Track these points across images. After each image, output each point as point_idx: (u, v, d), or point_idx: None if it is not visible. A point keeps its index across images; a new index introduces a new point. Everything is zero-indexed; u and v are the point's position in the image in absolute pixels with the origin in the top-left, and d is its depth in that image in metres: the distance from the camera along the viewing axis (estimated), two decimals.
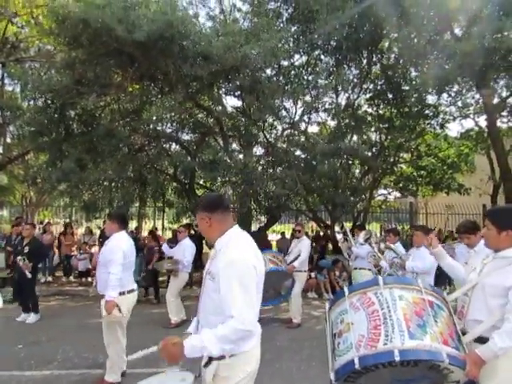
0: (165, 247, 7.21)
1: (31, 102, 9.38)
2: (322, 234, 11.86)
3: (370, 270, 6.10)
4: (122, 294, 3.81)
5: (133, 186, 8.78)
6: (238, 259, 1.93)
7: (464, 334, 2.24)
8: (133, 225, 12.60)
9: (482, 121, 11.96)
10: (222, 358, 1.92)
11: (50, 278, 10.29)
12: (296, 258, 6.23)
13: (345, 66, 10.47)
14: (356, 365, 1.97)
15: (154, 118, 8.20)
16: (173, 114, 8.31)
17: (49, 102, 8.14)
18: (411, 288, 2.21)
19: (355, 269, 6.73)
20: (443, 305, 2.25)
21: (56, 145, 8.15)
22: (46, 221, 13.63)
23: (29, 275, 6.24)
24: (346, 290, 2.31)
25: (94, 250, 10.56)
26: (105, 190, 8.55)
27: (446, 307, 2.26)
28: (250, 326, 1.87)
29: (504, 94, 11.03)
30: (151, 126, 8.25)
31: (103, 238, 7.92)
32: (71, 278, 10.38)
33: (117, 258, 3.75)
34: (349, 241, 6.73)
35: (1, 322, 6.17)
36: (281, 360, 4.73)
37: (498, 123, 11.26)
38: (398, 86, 10.65)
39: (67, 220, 13.64)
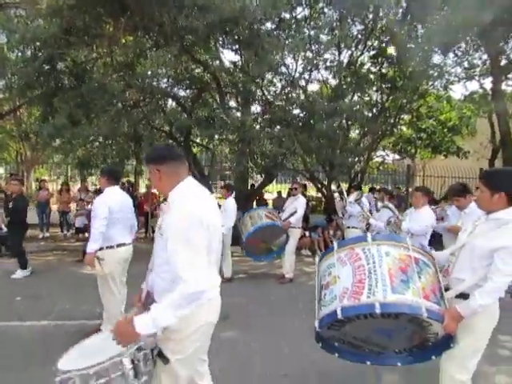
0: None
1: (19, 53, 8.97)
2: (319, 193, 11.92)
3: (363, 231, 6.19)
4: (110, 247, 3.86)
5: (127, 143, 8.63)
6: (186, 214, 1.83)
7: (447, 290, 2.31)
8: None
9: (487, 83, 11.64)
10: None
11: (47, 234, 10.43)
12: (291, 215, 6.26)
13: (349, 20, 9.99)
14: (339, 315, 2.06)
15: (149, 72, 7.90)
16: (168, 68, 7.96)
17: (36, 52, 7.76)
18: (399, 245, 2.27)
19: (348, 227, 6.84)
20: (430, 262, 2.32)
21: (46, 99, 7.89)
22: (42, 178, 13.57)
23: (4, 229, 6.26)
24: (335, 244, 2.39)
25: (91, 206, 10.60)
26: (99, 147, 8.40)
27: (432, 264, 2.33)
28: (200, 287, 1.79)
29: None
30: (146, 81, 7.93)
31: (99, 193, 7.91)
32: (69, 234, 10.52)
33: (100, 212, 3.79)
34: (344, 200, 6.76)
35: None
36: (273, 314, 4.89)
37: (503, 86, 10.96)
38: (404, 44, 10.22)
39: (63, 176, 13.56)
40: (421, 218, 4.51)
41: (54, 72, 7.89)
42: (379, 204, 5.43)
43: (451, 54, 10.37)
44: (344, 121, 10.83)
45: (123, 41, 8.56)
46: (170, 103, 10.13)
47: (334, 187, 10.41)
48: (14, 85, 8.96)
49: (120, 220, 3.94)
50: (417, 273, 2.16)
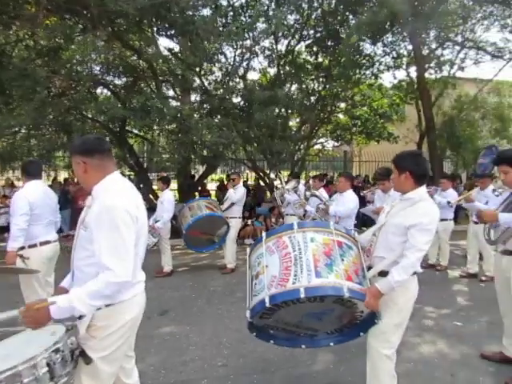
0: None
1: None
2: (261, 182, 12.10)
3: (299, 217, 6.42)
4: (32, 246, 3.64)
5: (55, 134, 8.09)
6: (112, 206, 1.81)
7: (369, 269, 2.46)
8: (61, 176, 11.87)
9: (413, 72, 12.46)
10: (98, 307, 1.83)
11: None
12: (230, 206, 6.31)
13: (284, 9, 10.11)
14: (266, 303, 2.13)
15: (78, 57, 7.44)
16: (98, 54, 7.54)
17: None
18: (323, 230, 2.38)
19: (287, 215, 7.04)
20: (352, 244, 2.46)
21: None
22: None
23: None
24: (264, 234, 2.45)
25: None
26: (22, 138, 7.78)
27: (355, 246, 2.47)
28: (124, 277, 1.77)
29: (433, 46, 11.47)
30: (74, 68, 7.47)
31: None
32: None
33: (18, 208, 3.53)
34: (282, 188, 6.94)
35: None
36: (212, 305, 4.94)
37: (426, 75, 11.78)
38: (337, 34, 10.59)
39: None
40: (345, 201, 4.78)
41: None
42: (307, 193, 5.64)
43: (380, 44, 10.90)
44: (283, 109, 11.05)
45: (47, 22, 7.96)
46: (104, 91, 9.66)
47: (272, 175, 10.62)
48: None
49: (43, 216, 3.68)
50: (340, 256, 2.27)
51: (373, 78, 11.76)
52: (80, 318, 1.83)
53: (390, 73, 12.91)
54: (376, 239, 2.52)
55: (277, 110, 10.69)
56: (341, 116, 13.54)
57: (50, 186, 4.90)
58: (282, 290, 2.14)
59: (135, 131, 10.15)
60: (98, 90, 9.60)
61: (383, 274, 2.37)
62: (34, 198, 3.61)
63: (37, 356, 1.66)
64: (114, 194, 1.86)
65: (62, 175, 11.97)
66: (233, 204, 6.43)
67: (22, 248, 3.60)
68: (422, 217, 2.29)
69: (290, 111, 11.50)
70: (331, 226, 2.42)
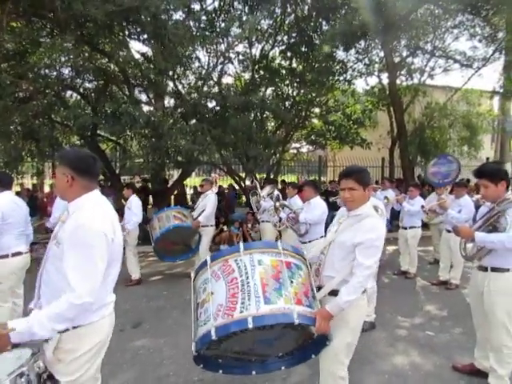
0: None
1: None
2: (236, 187, 12.09)
3: (274, 224, 6.44)
4: (4, 256, 3.62)
5: (22, 141, 7.80)
6: (86, 225, 1.78)
7: (320, 288, 2.40)
8: (29, 183, 11.48)
9: (385, 78, 12.76)
10: (64, 330, 1.78)
11: None
12: (201, 213, 6.25)
13: (258, 14, 10.15)
14: (213, 335, 1.99)
15: (46, 60, 7.19)
16: (66, 58, 7.34)
17: None
18: (270, 251, 2.25)
19: (262, 221, 7.05)
20: (302, 263, 2.36)
21: None
22: None
23: None
24: (208, 258, 2.29)
25: None
26: None
27: (304, 265, 2.37)
28: (86, 298, 1.72)
29: (404, 54, 11.80)
30: (41, 72, 7.23)
31: None
32: None
33: None
34: (258, 194, 6.94)
35: None
36: (187, 315, 4.79)
37: (398, 81, 12.10)
38: (310, 40, 10.72)
39: None
40: (312, 209, 4.85)
41: None
42: (277, 203, 5.66)
43: (353, 51, 11.10)
44: (258, 114, 11.08)
45: (13, 25, 7.68)
46: (73, 96, 9.39)
47: (248, 182, 10.61)
48: None
49: (14, 227, 3.69)
50: (289, 278, 2.17)
51: (346, 84, 11.95)
52: (46, 340, 1.80)
53: (363, 79, 13.21)
54: (324, 258, 2.45)
55: (252, 115, 10.76)
56: (315, 121, 13.71)
57: (18, 194, 4.77)
58: (228, 320, 2.01)
59: (107, 136, 9.94)
60: (68, 95, 9.35)
61: (334, 293, 2.31)
62: (6, 208, 3.63)
63: (0, 380, 1.62)
64: (90, 214, 1.83)
65: (29, 181, 11.57)
66: (203, 211, 6.34)
67: None
68: (369, 233, 2.24)
69: (265, 115, 11.56)
70: (279, 245, 2.30)
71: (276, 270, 2.17)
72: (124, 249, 6.03)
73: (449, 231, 5.72)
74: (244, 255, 2.19)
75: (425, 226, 6.94)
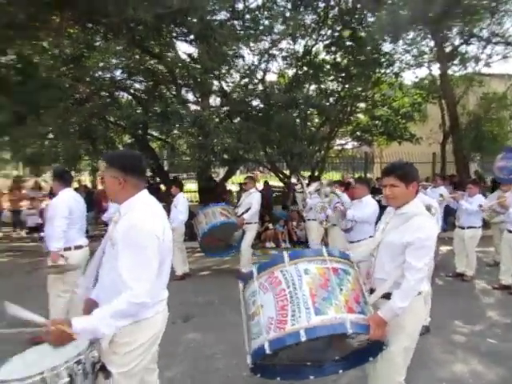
0: None
1: None
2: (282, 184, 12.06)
3: (320, 221, 6.34)
4: (68, 249, 3.89)
5: (80, 140, 8.30)
6: (139, 226, 1.83)
7: (372, 292, 2.32)
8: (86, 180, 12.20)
9: (436, 69, 12.14)
10: None
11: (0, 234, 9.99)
12: (246, 211, 6.29)
13: (301, 9, 10.05)
14: (267, 350, 1.98)
15: (101, 64, 7.59)
16: (119, 60, 7.71)
17: None
18: (316, 259, 2.19)
19: (308, 220, 6.97)
20: (349, 267, 2.28)
21: None
22: None
23: None
24: (254, 270, 2.26)
25: (45, 204, 10.24)
26: (48, 145, 8.04)
27: (352, 269, 2.29)
28: (144, 298, 1.78)
29: (457, 42, 11.16)
30: (96, 74, 7.64)
31: (53, 194, 7.64)
32: (22, 233, 10.10)
33: (59, 211, 3.83)
34: (304, 192, 6.87)
35: None
36: (236, 313, 4.89)
37: (450, 72, 11.47)
38: (355, 33, 10.44)
39: (14, 173, 12.97)
40: (363, 207, 4.69)
41: None
42: (327, 188, 5.53)
43: (400, 42, 10.67)
44: (302, 111, 10.97)
45: (71, 30, 8.18)
46: (125, 96, 9.83)
47: (294, 180, 10.53)
48: None
49: (75, 221, 3.97)
50: (337, 285, 2.11)
51: (393, 76, 11.51)
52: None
53: (411, 71, 12.60)
54: (375, 259, 2.37)
55: (296, 112, 10.67)
56: (361, 116, 13.33)
57: (76, 190, 5.11)
58: (281, 333, 1.99)
59: (156, 134, 10.32)
60: (120, 95, 9.79)
61: (387, 296, 2.21)
62: (71, 204, 3.92)
63: (60, 365, 1.71)
64: (141, 214, 1.88)
65: (86, 178, 12.29)
66: (248, 209, 6.39)
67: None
68: (417, 233, 2.15)
69: (309, 112, 11.43)
70: (324, 252, 2.23)
71: (324, 279, 2.13)
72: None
73: (510, 231, 5.34)
74: (289, 266, 2.15)
75: (486, 225, 6.48)
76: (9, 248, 8.74)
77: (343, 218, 4.84)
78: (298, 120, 10.56)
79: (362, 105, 12.38)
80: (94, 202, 9.38)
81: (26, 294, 5.31)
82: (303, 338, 1.93)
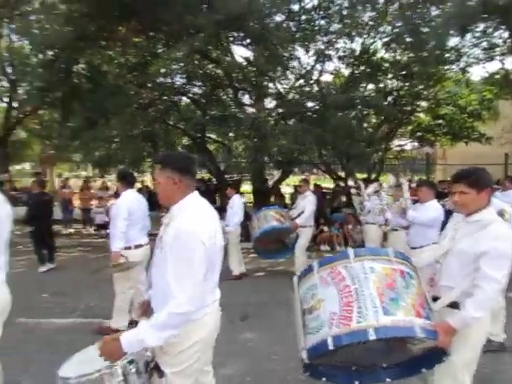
0: None
1: (38, 57, 9.28)
2: (336, 187, 11.83)
3: (379, 225, 6.14)
4: (128, 248, 4.08)
5: (143, 143, 8.79)
6: (186, 231, 1.80)
7: (435, 299, 2.22)
8: (148, 180, 12.86)
9: (509, 63, 11.20)
10: None
11: (71, 230, 10.83)
12: (300, 214, 6.24)
13: (359, 7, 9.79)
14: (329, 345, 1.92)
15: (162, 70, 7.99)
16: (180, 65, 8.06)
17: (54, 57, 8.01)
18: (381, 258, 2.12)
19: (366, 223, 6.76)
20: (413, 272, 2.19)
21: (64, 102, 8.14)
22: (65, 176, 14.07)
23: None
24: (315, 263, 2.22)
25: (110, 204, 10.94)
26: (115, 148, 8.61)
27: (415, 274, 2.20)
28: (187, 308, 1.76)
29: None
30: (158, 80, 8.05)
31: (118, 194, 8.15)
32: (91, 230, 10.87)
33: (120, 213, 4.02)
34: (361, 195, 6.68)
35: (27, 273, 6.58)
36: (291, 312, 4.88)
37: None
38: (417, 29, 9.95)
39: (84, 174, 14.04)
40: (425, 210, 4.46)
41: (71, 76, 8.10)
42: (370, 189, 5.32)
43: (468, 35, 9.97)
44: (359, 110, 10.68)
45: (136, 39, 8.70)
46: (184, 100, 10.24)
47: (351, 182, 10.27)
48: (34, 89, 9.27)
49: (136, 221, 4.15)
50: (404, 288, 2.04)
51: (460, 72, 10.80)
52: None
53: (480, 66, 11.71)
54: (442, 267, 2.27)
55: (353, 113, 10.43)
56: (422, 116, 12.67)
57: (140, 190, 5.38)
58: (346, 330, 1.92)
59: (213, 136, 10.64)
60: (180, 100, 10.20)
61: (453, 305, 2.14)
62: (131, 205, 4.10)
63: (113, 365, 1.77)
64: (190, 218, 1.85)
65: (148, 179, 12.98)
66: (302, 212, 6.33)
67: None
68: (495, 242, 2.03)
69: (365, 112, 11.10)
70: (390, 252, 2.16)
71: (390, 279, 2.05)
72: (227, 244, 6.44)
73: None
74: (354, 262, 2.09)
75: None
76: (79, 243, 9.46)
77: (403, 215, 4.67)
78: (354, 121, 10.31)
79: (424, 103, 11.76)
80: (156, 202, 9.80)
81: (93, 289, 5.71)
82: (372, 337, 1.86)
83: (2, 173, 11.63)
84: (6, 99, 14.83)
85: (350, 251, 2.15)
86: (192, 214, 1.88)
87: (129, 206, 4.08)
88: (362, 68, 10.78)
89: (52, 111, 12.21)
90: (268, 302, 5.37)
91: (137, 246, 4.15)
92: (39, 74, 8.28)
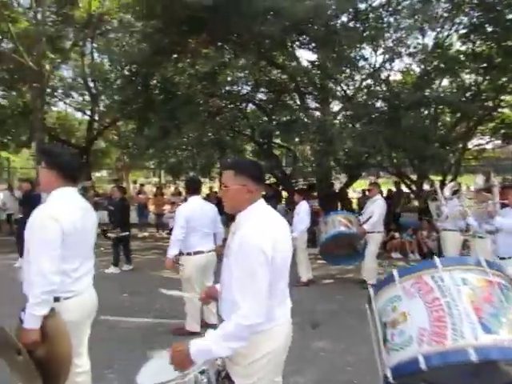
0: None
1: (118, 73, 10.12)
2: (406, 189, 11.24)
3: (460, 230, 5.68)
4: (188, 254, 4.16)
5: (212, 149, 9.10)
6: (249, 242, 1.76)
7: None
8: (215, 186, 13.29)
9: None
10: None
11: (146, 234, 11.54)
12: (368, 220, 6.01)
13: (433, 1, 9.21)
14: (421, 364, 1.73)
15: (229, 79, 8.24)
16: (247, 72, 8.25)
17: (133, 72, 8.66)
18: (474, 269, 1.89)
19: (444, 230, 6.30)
20: (509, 284, 1.95)
21: (140, 113, 8.74)
22: (140, 182, 15.09)
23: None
24: (395, 273, 2.01)
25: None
26: (187, 156, 9.03)
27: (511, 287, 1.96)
28: (253, 320, 1.72)
29: None
30: (227, 88, 8.30)
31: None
32: (164, 234, 11.47)
33: (177, 220, 4.12)
34: (438, 199, 6.24)
35: (111, 274, 7.12)
36: (366, 324, 4.70)
37: None
38: (500, 16, 9.09)
39: (156, 180, 14.92)
40: None
41: (147, 89, 8.67)
42: (446, 193, 4.88)
43: None
44: (433, 109, 10.05)
45: (205, 50, 9.07)
46: (251, 107, 10.43)
47: (426, 186, 9.66)
48: (114, 102, 10.12)
49: (197, 228, 4.12)
50: (503, 302, 1.81)
51: None
52: None
53: None
54: None
55: (426, 111, 9.84)
56: (507, 111, 11.54)
57: (208, 196, 5.51)
58: (440, 348, 1.72)
59: (278, 141, 10.68)
60: (246, 106, 10.42)
61: None
62: (190, 212, 4.14)
63: (186, 374, 1.79)
64: (255, 228, 1.81)
65: (217, 185, 13.42)
66: (370, 217, 6.08)
67: (181, 254, 4.18)
68: None
69: (439, 110, 10.40)
70: (482, 262, 1.90)
71: (487, 292, 1.83)
72: (294, 251, 6.39)
73: None
74: (443, 272, 1.88)
75: None
76: (154, 246, 10.04)
77: (490, 220, 4.27)
78: (427, 120, 9.71)
79: (508, 98, 10.70)
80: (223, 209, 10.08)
81: (169, 287, 5.93)
82: (473, 358, 1.65)
83: (86, 180, 12.74)
84: (88, 112, 16.37)
85: (437, 260, 1.94)
86: (258, 223, 1.84)
87: (187, 213, 4.09)
88: (435, 63, 10.13)
89: (128, 122, 13.23)
90: (338, 310, 5.25)
91: (196, 253, 4.16)
92: (119, 89, 8.99)
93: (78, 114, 18.88)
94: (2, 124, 14.54)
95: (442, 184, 8.72)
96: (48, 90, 13.94)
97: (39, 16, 12.74)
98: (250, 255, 1.75)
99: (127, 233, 7.30)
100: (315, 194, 9.22)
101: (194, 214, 4.14)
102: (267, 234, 1.81)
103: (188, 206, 4.22)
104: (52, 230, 2.07)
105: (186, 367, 1.78)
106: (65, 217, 2.12)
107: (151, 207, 12.22)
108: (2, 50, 12.95)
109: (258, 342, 1.86)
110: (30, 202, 6.68)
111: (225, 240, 4.86)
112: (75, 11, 13.74)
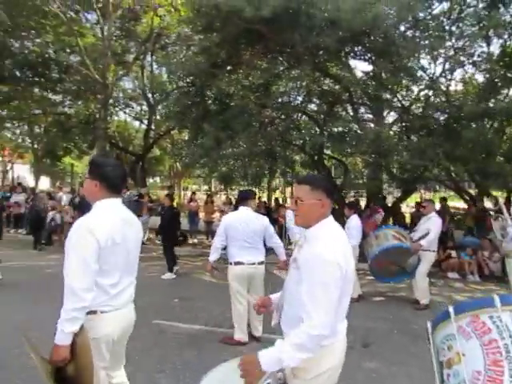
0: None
1: (175, 85, 10.59)
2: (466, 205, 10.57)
3: None
4: (230, 263, 4.25)
5: (263, 160, 9.19)
6: (323, 256, 1.78)
7: None
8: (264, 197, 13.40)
9: None
10: None
11: (196, 240, 11.83)
12: (423, 236, 5.71)
13: (500, 5, 8.70)
14: None
15: (282, 90, 8.29)
16: (299, 83, 8.26)
17: (189, 84, 9.02)
18: None
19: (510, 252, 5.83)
20: None
21: (196, 123, 9.04)
22: (192, 190, 15.57)
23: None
24: (451, 309, 1.90)
25: None
26: (239, 165, 9.19)
27: None
28: (321, 330, 1.74)
29: None
30: (280, 100, 8.37)
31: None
32: (213, 241, 11.68)
33: (218, 229, 4.31)
34: (503, 219, 5.80)
35: (158, 278, 7.37)
36: (418, 345, 4.48)
37: None
38: None
39: (207, 187, 15.31)
40: None
41: (203, 100, 8.97)
42: None
43: None
44: (497, 121, 9.42)
45: (259, 62, 9.23)
46: (303, 118, 10.41)
47: (489, 204, 9.03)
48: (171, 112, 10.58)
49: (235, 240, 4.17)
50: None
51: None
52: None
53: None
54: None
55: (489, 123, 9.25)
56: None
57: (257, 207, 5.48)
58: None
59: (328, 152, 10.54)
60: (299, 117, 10.42)
61: None
62: (231, 222, 4.24)
63: None
64: (327, 243, 1.84)
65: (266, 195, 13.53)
66: (426, 234, 5.78)
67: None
68: None
69: (505, 123, 9.72)
70: None
71: None
72: None
73: None
74: (502, 312, 1.74)
75: None
76: (202, 253, 10.23)
77: None
78: (491, 132, 9.12)
79: None
80: (274, 219, 10.09)
81: (215, 298, 6.01)
82: None
83: (142, 186, 13.37)
84: (145, 121, 17.25)
85: (496, 297, 1.80)
86: (331, 238, 1.88)
87: (228, 222, 4.20)
88: (502, 72, 9.51)
89: (182, 132, 13.75)
90: (389, 329, 5.04)
91: (237, 263, 4.19)
92: (175, 99, 9.38)
93: (136, 123, 20.05)
94: (67, 132, 15.69)
95: (508, 202, 8.09)
96: (111, 101, 14.86)
97: (105, 31, 13.66)
98: (325, 269, 1.77)
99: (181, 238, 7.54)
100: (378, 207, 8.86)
101: (234, 224, 4.20)
102: (340, 249, 1.85)
103: (231, 216, 4.31)
104: (87, 244, 2.00)
105: (256, 377, 1.79)
106: (102, 229, 2.04)
107: (201, 214, 12.53)
108: (70, 63, 13.96)
109: (319, 357, 1.87)
110: (84, 207, 7.01)
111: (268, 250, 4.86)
112: (138, 26, 14.62)
